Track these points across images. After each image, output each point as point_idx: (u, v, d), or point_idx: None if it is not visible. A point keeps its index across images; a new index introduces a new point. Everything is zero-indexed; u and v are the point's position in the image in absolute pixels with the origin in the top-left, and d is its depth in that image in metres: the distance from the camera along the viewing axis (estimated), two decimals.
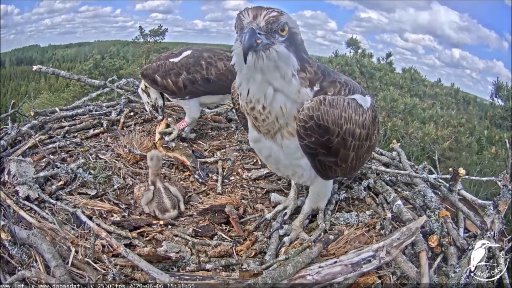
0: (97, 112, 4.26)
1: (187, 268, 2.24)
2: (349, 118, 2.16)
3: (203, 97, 3.76)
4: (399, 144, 3.63)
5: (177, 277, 2.05)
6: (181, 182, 3.24)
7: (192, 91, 3.63)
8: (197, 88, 3.61)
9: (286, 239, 2.51)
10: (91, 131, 3.90)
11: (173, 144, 3.47)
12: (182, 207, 2.85)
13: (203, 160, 3.52)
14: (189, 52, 3.63)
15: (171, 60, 3.61)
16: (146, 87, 3.88)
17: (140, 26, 19.01)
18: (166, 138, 3.61)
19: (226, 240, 2.57)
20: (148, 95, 3.90)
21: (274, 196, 2.98)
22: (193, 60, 3.58)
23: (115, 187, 3.00)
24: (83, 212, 2.58)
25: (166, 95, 3.84)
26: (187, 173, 3.37)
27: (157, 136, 3.61)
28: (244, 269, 2.22)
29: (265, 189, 3.15)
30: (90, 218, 2.59)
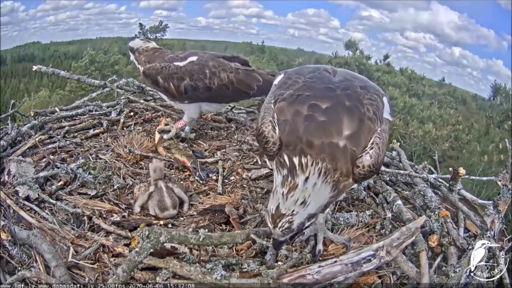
0: (97, 112, 4.26)
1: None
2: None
3: (202, 103, 3.77)
4: (398, 144, 3.63)
5: None
6: (181, 182, 3.23)
7: (192, 97, 3.64)
8: (197, 95, 3.63)
9: (319, 247, 2.40)
10: (91, 131, 3.90)
11: (173, 151, 3.48)
12: (186, 207, 2.88)
13: (203, 160, 3.52)
14: (194, 58, 3.62)
15: (175, 63, 3.59)
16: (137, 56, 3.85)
17: (140, 23, 18.96)
18: (164, 136, 3.62)
19: None
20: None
21: None
22: (198, 67, 3.57)
23: (115, 187, 3.00)
24: (83, 213, 2.59)
25: (165, 97, 3.83)
26: (187, 173, 3.37)
27: (157, 136, 3.61)
28: (244, 269, 2.22)
29: (265, 189, 3.15)
30: (90, 218, 2.59)
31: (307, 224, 2.09)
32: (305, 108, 2.06)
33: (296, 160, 1.98)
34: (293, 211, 1.98)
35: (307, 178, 1.96)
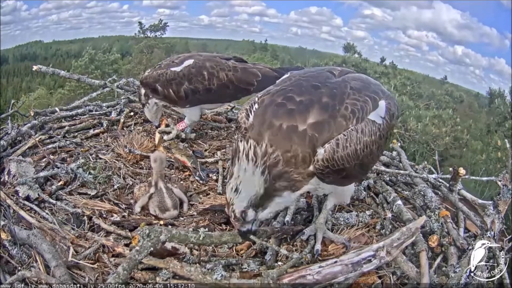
0: (97, 112, 4.26)
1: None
2: (364, 145, 2.09)
3: (203, 105, 3.76)
4: (398, 143, 3.63)
5: None
6: (181, 182, 3.24)
7: (193, 100, 3.60)
8: (198, 98, 3.59)
9: (317, 246, 2.39)
10: (91, 131, 3.90)
11: (174, 151, 3.48)
12: (186, 208, 2.88)
13: (203, 160, 3.52)
14: (191, 61, 3.58)
15: (172, 69, 3.55)
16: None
17: (139, 22, 18.99)
18: (165, 137, 3.61)
19: None
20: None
21: None
22: (195, 70, 3.54)
23: (115, 187, 3.01)
24: (83, 213, 2.59)
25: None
26: (187, 173, 3.37)
27: (157, 136, 3.61)
28: (244, 269, 2.22)
29: None
30: (90, 218, 2.59)
31: (253, 215, 2.07)
32: (280, 98, 2.13)
33: (241, 145, 2.01)
34: (231, 199, 2.02)
35: (240, 164, 1.99)
